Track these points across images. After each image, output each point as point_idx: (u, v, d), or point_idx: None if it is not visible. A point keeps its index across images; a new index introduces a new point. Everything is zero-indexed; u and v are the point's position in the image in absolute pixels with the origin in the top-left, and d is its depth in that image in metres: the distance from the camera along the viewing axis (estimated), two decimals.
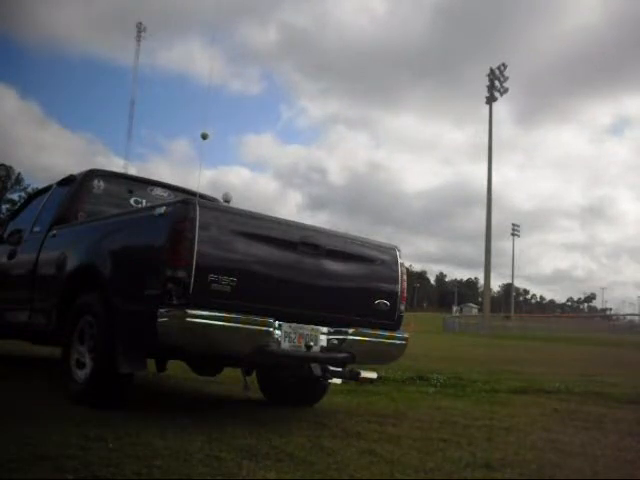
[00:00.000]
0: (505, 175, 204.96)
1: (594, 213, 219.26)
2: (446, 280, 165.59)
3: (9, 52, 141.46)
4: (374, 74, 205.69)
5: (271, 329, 3.51)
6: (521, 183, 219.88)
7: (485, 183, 52.78)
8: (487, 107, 52.75)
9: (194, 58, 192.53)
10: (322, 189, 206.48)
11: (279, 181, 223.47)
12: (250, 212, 3.77)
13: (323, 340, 3.79)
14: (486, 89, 52.70)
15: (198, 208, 3.40)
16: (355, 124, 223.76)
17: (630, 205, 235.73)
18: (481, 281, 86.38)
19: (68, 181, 5.23)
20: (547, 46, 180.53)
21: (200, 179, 4.12)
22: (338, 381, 4.05)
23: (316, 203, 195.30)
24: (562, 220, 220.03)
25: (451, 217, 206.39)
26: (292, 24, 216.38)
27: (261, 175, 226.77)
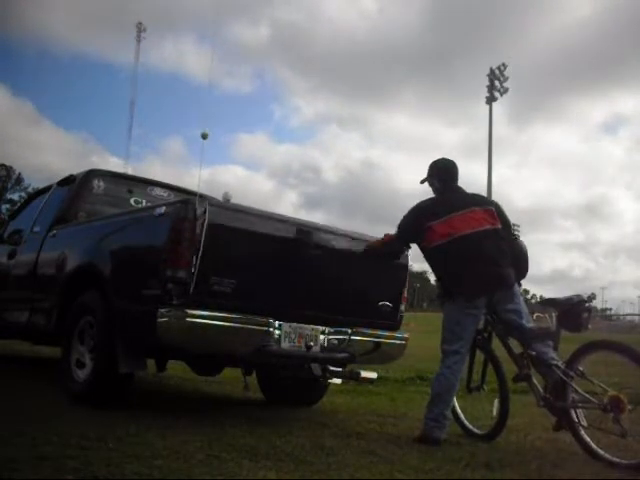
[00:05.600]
0: (501, 174, 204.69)
1: (592, 212, 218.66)
2: None
3: (1, 50, 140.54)
4: (367, 72, 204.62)
5: (271, 329, 3.51)
6: (517, 182, 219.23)
7: (482, 182, 52.64)
8: (481, 105, 52.30)
9: (187, 57, 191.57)
10: (317, 188, 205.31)
11: (274, 180, 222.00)
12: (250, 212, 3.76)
13: (323, 340, 3.79)
14: (480, 87, 52.63)
15: (198, 208, 3.40)
16: (348, 122, 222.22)
17: (628, 204, 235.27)
18: None
19: (68, 181, 5.22)
20: (540, 43, 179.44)
21: (200, 179, 4.12)
22: (338, 381, 4.05)
23: (311, 202, 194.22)
24: (561, 219, 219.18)
25: None
26: (284, 21, 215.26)
27: (256, 174, 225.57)
